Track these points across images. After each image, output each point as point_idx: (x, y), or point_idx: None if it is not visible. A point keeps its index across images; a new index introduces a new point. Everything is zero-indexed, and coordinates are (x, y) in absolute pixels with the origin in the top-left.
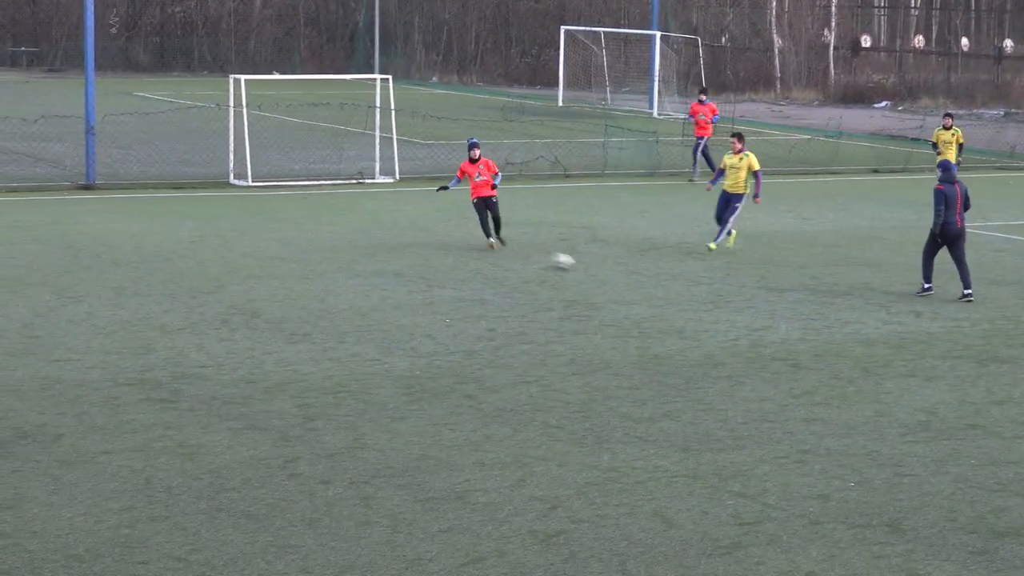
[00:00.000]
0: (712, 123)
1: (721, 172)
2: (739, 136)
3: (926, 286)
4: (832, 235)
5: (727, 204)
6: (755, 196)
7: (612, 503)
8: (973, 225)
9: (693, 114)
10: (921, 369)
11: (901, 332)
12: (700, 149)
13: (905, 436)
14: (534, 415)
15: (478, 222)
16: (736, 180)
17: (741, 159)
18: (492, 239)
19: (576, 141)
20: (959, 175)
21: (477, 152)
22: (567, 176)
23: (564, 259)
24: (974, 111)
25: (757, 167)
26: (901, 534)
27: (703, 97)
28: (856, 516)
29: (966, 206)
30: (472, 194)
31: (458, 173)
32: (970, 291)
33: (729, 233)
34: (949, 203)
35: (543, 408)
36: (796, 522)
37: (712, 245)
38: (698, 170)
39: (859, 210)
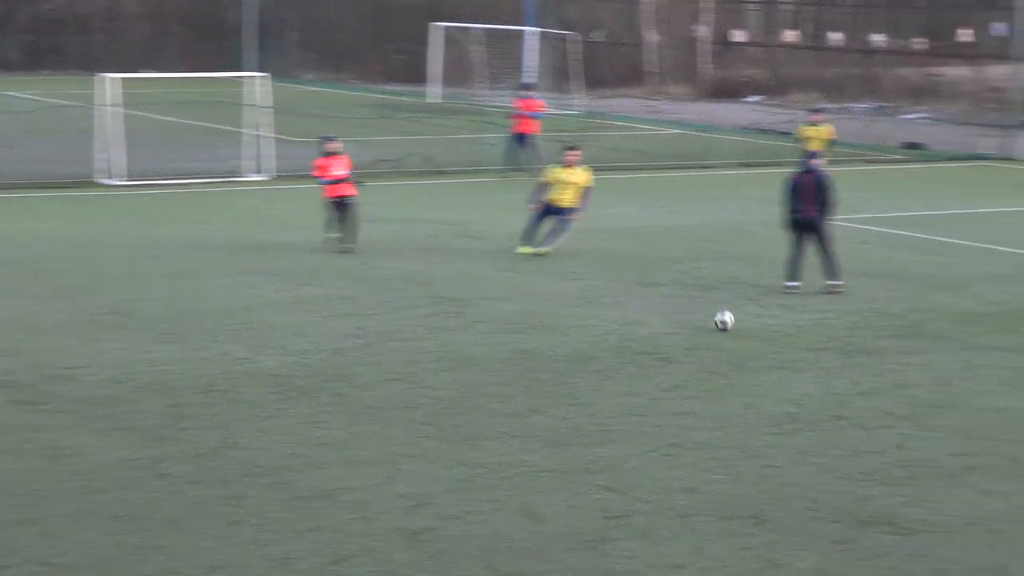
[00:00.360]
0: (532, 118)
1: (545, 187)
2: (573, 148)
3: (786, 284)
4: (703, 229)
5: (547, 216)
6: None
7: (480, 499)
8: (842, 218)
9: (522, 108)
10: (789, 361)
11: (770, 325)
12: (515, 144)
13: (772, 428)
14: (403, 412)
15: (329, 219)
16: (564, 194)
17: (574, 173)
18: (338, 236)
19: (450, 138)
20: (828, 168)
21: (334, 145)
22: (440, 173)
23: (728, 317)
24: (844, 105)
25: (589, 184)
26: (765, 525)
27: (526, 92)
28: (723, 508)
29: (823, 198)
30: (329, 192)
31: (317, 172)
32: (836, 282)
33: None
34: (798, 193)
35: (412, 405)
36: (664, 515)
37: (542, 249)
38: (543, 157)
39: (729, 204)
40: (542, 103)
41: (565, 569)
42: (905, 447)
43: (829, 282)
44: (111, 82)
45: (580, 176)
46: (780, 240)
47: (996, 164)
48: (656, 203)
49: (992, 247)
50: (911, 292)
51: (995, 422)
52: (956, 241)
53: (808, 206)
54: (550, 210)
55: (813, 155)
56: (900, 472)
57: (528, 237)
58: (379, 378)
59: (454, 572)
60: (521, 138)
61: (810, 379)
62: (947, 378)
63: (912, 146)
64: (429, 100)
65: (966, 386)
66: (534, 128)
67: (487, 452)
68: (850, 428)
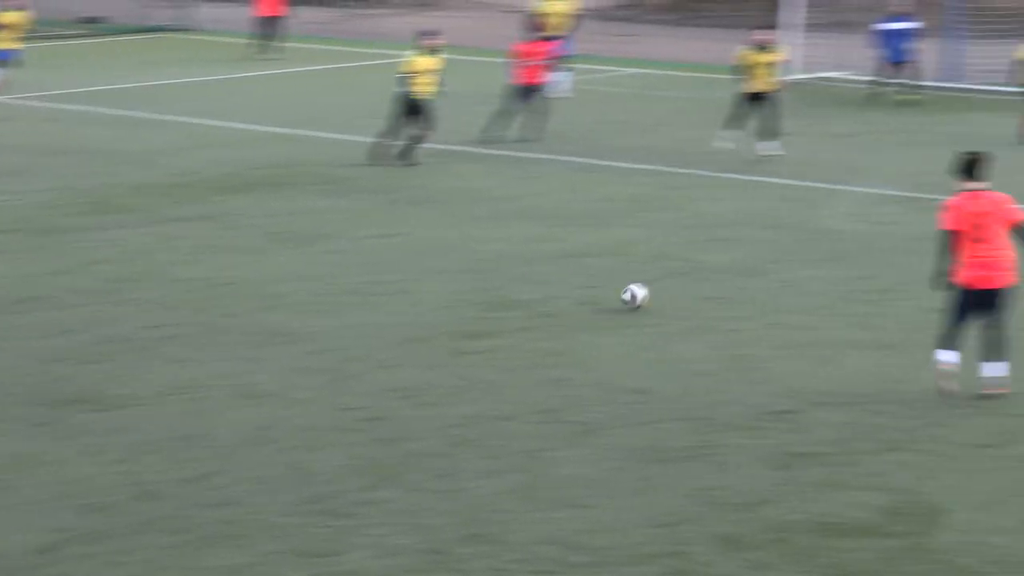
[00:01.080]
0: None
1: None
2: None
3: None
4: None
5: None
6: None
7: None
8: (21, 96)
9: None
10: None
11: None
12: None
13: None
14: None
15: None
16: None
17: None
18: None
19: None
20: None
21: None
22: None
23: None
24: None
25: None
26: None
27: None
28: None
29: None
30: None
31: None
32: None
33: None
34: None
35: None
36: None
37: None
38: None
39: None
40: None
41: None
42: (100, 324)
43: None
44: None
45: None
46: None
47: (174, 35)
48: None
49: (171, 118)
50: (98, 167)
51: (187, 292)
52: (138, 114)
53: None
54: None
55: None
56: (97, 349)
57: None
58: None
59: None
60: None
61: (3, 261)
62: (139, 251)
63: (90, 21)
64: None
65: (158, 257)
66: None
67: None
68: (43, 310)
